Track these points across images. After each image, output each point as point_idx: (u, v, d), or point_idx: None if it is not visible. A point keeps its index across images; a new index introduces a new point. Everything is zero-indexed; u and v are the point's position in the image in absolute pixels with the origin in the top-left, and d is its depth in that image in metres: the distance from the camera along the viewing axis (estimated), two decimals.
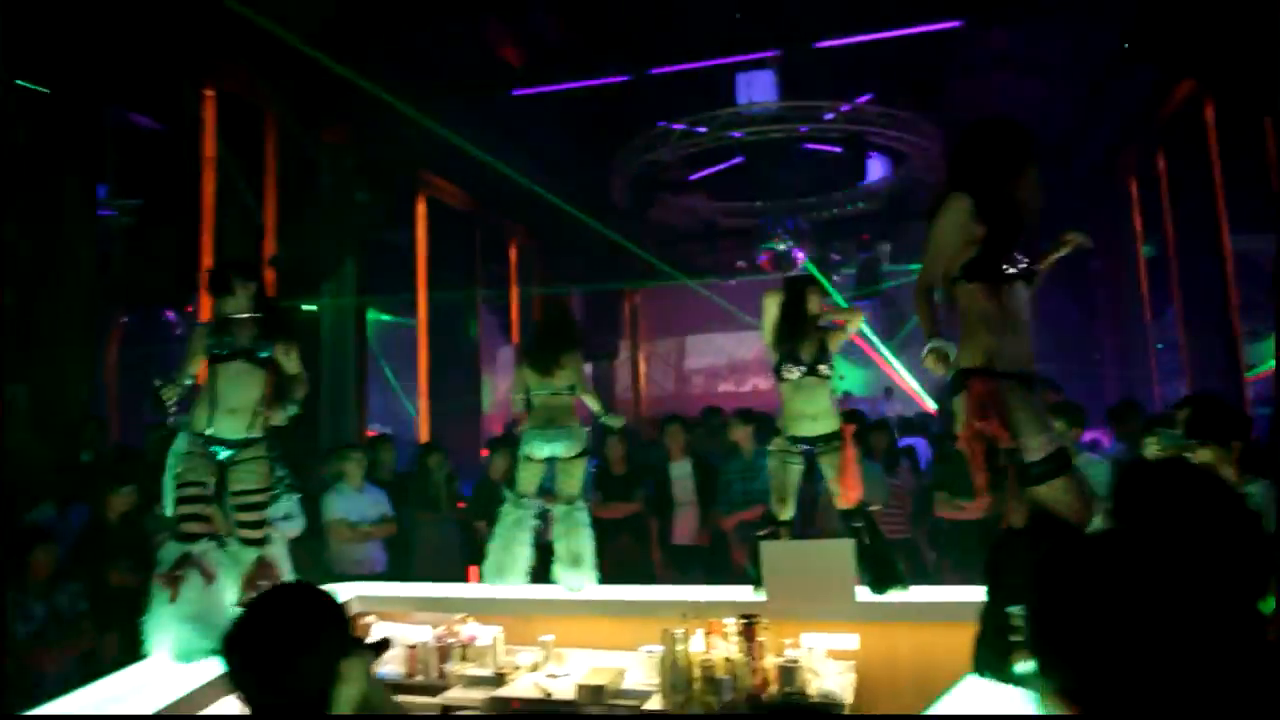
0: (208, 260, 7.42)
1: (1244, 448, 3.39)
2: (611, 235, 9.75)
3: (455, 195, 11.04)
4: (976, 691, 2.73)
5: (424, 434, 9.88)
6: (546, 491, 4.99)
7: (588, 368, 15.45)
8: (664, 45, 7.73)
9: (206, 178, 7.39)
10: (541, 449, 4.67)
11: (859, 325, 4.73)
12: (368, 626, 4.55)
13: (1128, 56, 7.36)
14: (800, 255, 10.15)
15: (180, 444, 3.63)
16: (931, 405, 11.98)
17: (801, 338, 4.36)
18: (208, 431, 3.61)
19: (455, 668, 4.35)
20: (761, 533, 4.35)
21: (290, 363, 3.83)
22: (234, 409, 3.61)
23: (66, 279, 6.12)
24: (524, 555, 4.69)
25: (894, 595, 4.22)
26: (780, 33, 7.51)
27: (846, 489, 4.41)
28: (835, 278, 11.75)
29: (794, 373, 4.34)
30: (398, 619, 4.67)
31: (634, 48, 7.45)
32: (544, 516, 4.88)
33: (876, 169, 10.66)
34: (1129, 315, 10.87)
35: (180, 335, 9.88)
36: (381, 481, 6.11)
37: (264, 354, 3.69)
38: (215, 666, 3.38)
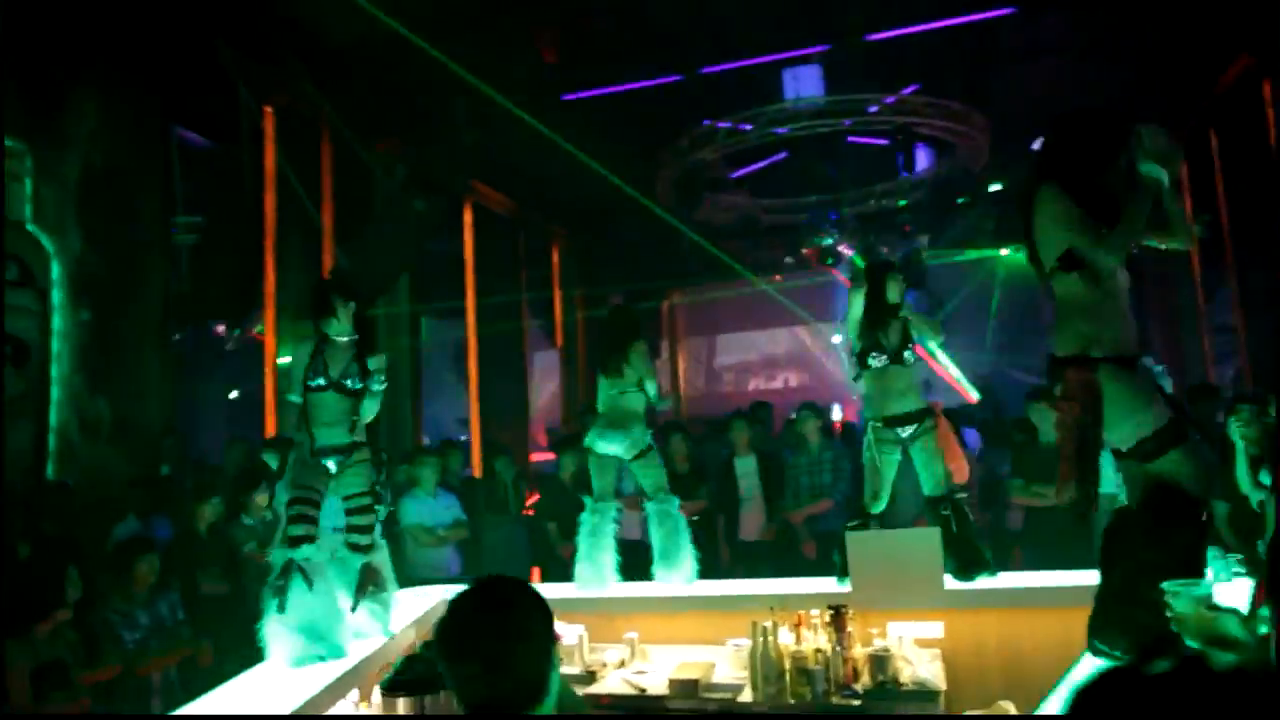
0: (271, 276, 7.59)
1: None
2: (683, 223, 9.65)
3: (499, 201, 11.16)
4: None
5: (475, 439, 10.00)
6: (618, 492, 5.08)
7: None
8: (711, 45, 7.77)
9: (268, 193, 7.54)
10: (604, 446, 4.77)
11: (936, 337, 4.80)
12: None
13: (1177, 37, 7.30)
14: (846, 249, 10.17)
15: (295, 454, 3.74)
16: (974, 395, 11.91)
17: (885, 325, 4.45)
18: (316, 445, 3.72)
19: None
20: (851, 524, 4.38)
21: (376, 386, 3.88)
22: (329, 423, 3.72)
23: (142, 296, 6.30)
24: (610, 560, 4.76)
25: (982, 581, 4.25)
26: (829, 27, 7.53)
27: (951, 463, 4.45)
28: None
29: (879, 360, 4.43)
30: None
31: (679, 48, 7.49)
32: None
33: (922, 160, 10.63)
34: (1179, 297, 10.74)
35: (231, 350, 10.06)
36: (451, 486, 6.23)
37: (354, 386, 3.76)
38: (329, 670, 3.54)
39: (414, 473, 5.92)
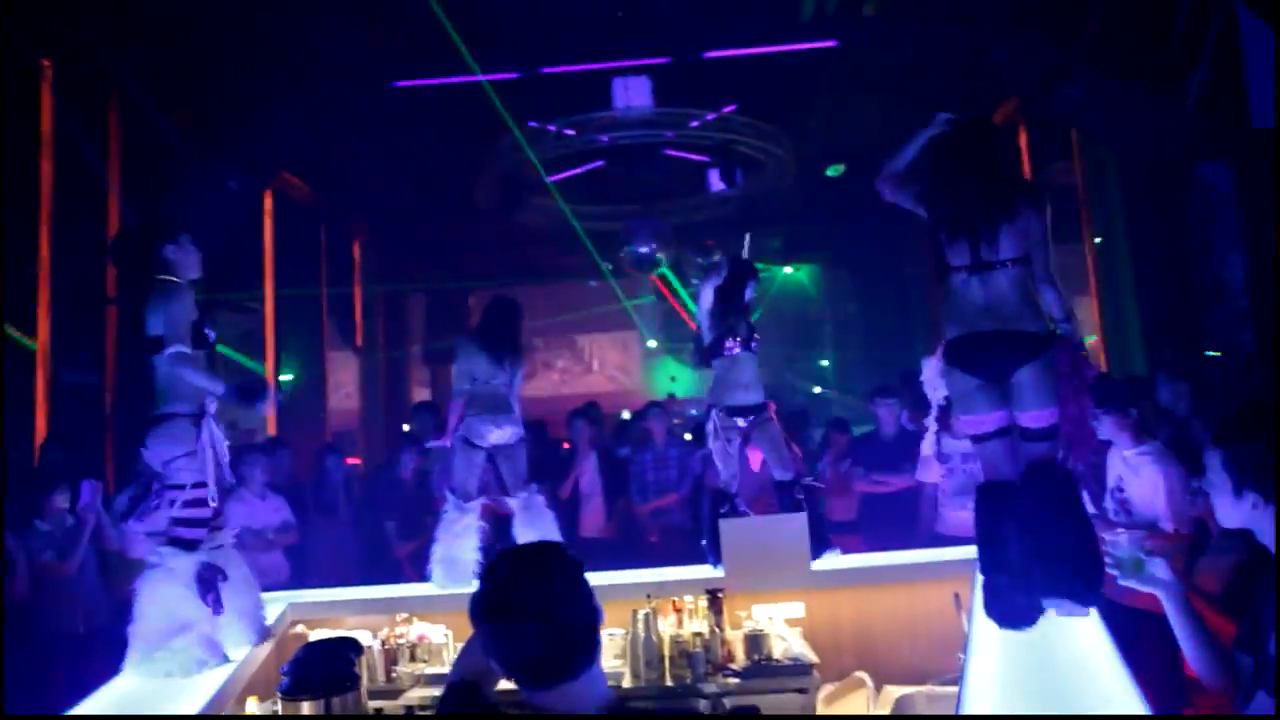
0: (46, 253, 6.70)
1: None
2: (495, 224, 9.51)
3: (301, 190, 10.48)
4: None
5: (272, 432, 9.32)
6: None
7: (426, 372, 15.18)
8: (544, 47, 7.77)
9: (44, 158, 6.64)
10: (484, 436, 4.65)
11: None
12: (303, 636, 4.33)
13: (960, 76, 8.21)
14: (660, 257, 10.51)
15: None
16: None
17: (738, 317, 4.74)
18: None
19: (407, 669, 4.23)
20: (722, 510, 4.56)
21: None
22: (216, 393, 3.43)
23: None
24: (473, 560, 4.62)
25: (840, 561, 4.59)
26: (663, 42, 7.79)
27: (789, 457, 4.76)
28: (694, 280, 12.24)
29: (735, 349, 4.70)
30: (330, 626, 4.47)
31: (519, 46, 7.44)
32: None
33: (715, 179, 11.19)
34: None
35: None
36: (278, 488, 5.79)
37: None
38: (209, 679, 3.19)
39: (239, 472, 5.43)
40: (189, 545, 3.42)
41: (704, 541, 4.62)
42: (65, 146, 6.78)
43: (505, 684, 1.67)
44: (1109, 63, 6.97)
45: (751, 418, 4.70)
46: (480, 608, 1.59)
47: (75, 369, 6.80)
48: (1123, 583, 2.16)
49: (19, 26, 6.31)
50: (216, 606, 3.41)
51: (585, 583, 1.60)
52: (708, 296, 4.82)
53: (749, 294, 4.84)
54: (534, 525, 4.68)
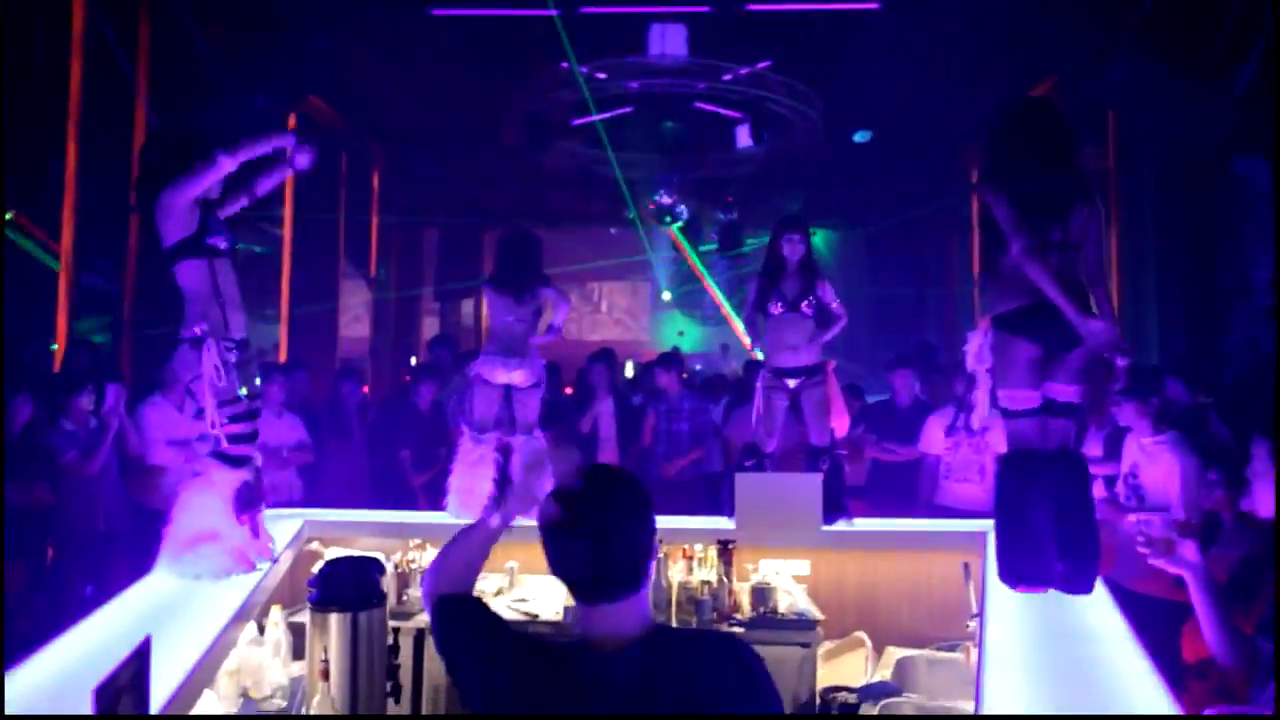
0: (73, 156, 6.67)
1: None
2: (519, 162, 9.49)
3: (325, 114, 10.38)
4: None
5: (283, 358, 9.37)
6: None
7: (437, 307, 15.19)
8: None
9: (74, 60, 6.57)
10: (500, 374, 4.67)
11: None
12: (318, 553, 4.42)
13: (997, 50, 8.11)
14: (683, 209, 10.46)
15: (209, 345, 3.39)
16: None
17: (782, 277, 4.72)
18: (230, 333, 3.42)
19: (418, 593, 4.33)
20: (746, 464, 4.61)
21: None
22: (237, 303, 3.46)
23: None
24: (487, 491, 4.68)
25: (841, 526, 4.66)
26: None
27: (835, 419, 4.78)
28: (711, 234, 12.26)
29: (777, 308, 4.68)
30: (345, 545, 4.56)
31: None
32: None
33: (744, 135, 11.09)
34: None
35: None
36: (294, 408, 5.85)
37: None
38: (238, 587, 3.27)
39: (259, 389, 5.49)
40: (235, 462, 3.48)
41: (726, 493, 4.68)
42: (95, 50, 6.71)
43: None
44: (1156, 47, 6.89)
45: (802, 379, 4.70)
46: (545, 520, 1.64)
47: (96, 274, 6.81)
48: (1153, 562, 2.21)
49: None
50: (254, 528, 3.50)
51: (647, 517, 1.65)
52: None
53: (790, 252, 4.77)
54: (530, 468, 4.73)
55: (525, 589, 4.39)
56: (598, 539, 1.59)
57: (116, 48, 6.63)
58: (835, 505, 4.62)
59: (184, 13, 7.12)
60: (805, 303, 4.67)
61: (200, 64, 7.33)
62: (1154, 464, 4.01)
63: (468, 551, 2.03)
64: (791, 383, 4.71)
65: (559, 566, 1.63)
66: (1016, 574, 3.12)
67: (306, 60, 7.59)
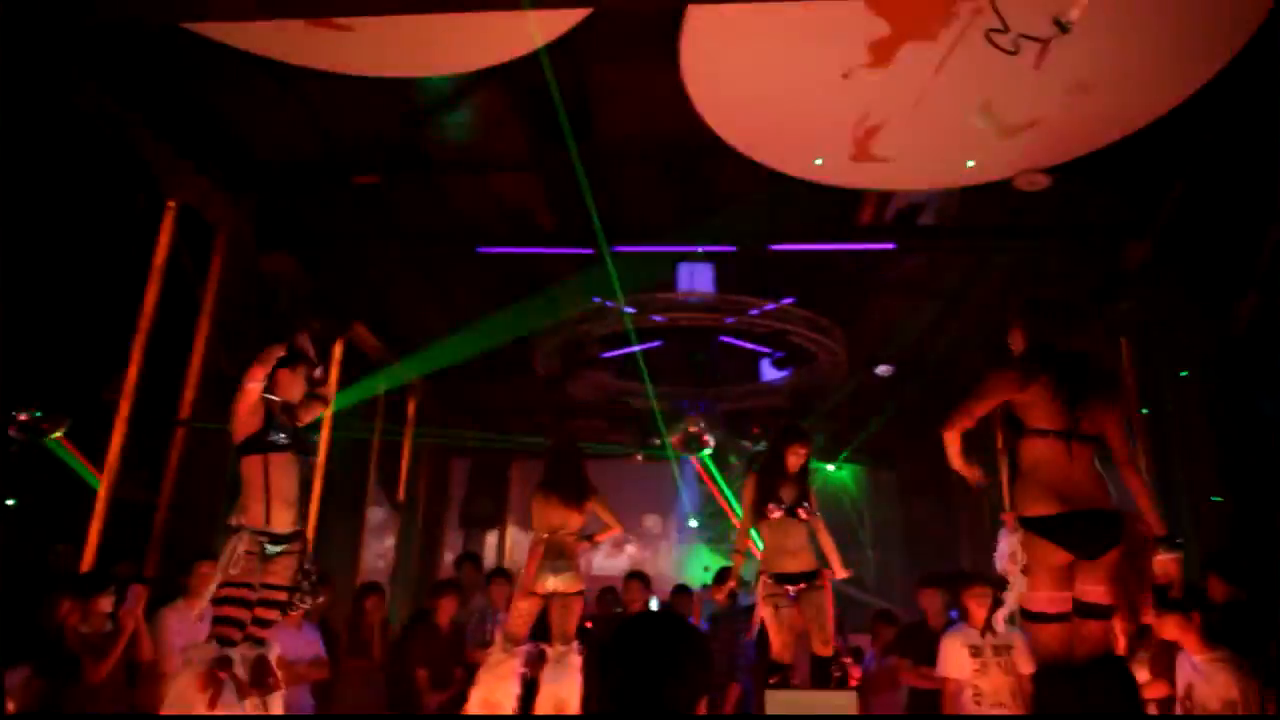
0: (134, 373, 7.05)
1: None
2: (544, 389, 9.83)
3: (369, 343, 10.94)
4: None
5: None
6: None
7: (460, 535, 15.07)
8: (619, 229, 8.26)
9: (151, 286, 7.12)
10: (550, 583, 4.63)
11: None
12: None
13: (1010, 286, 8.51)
14: (709, 439, 10.64)
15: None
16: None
17: (781, 483, 4.79)
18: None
19: None
20: (773, 680, 4.42)
21: None
22: (289, 501, 3.50)
23: None
24: (510, 707, 4.51)
25: None
26: (729, 231, 8.28)
27: (832, 632, 4.65)
28: (733, 461, 12.34)
29: (776, 512, 4.71)
30: None
31: (591, 227, 7.96)
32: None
33: (767, 368, 11.47)
34: None
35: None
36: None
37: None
38: None
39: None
40: (225, 641, 3.43)
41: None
42: (170, 276, 7.28)
43: None
44: (1160, 286, 7.23)
45: (802, 585, 4.65)
46: (601, 657, 1.66)
47: (134, 485, 6.95)
48: None
49: (154, 170, 7.00)
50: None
51: (696, 666, 1.64)
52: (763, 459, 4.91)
53: (794, 463, 4.89)
54: (558, 680, 4.57)
55: None
56: (645, 670, 1.59)
57: (190, 275, 7.20)
58: None
59: (255, 243, 7.79)
60: (802, 508, 4.75)
61: (262, 290, 7.92)
62: (1209, 684, 3.78)
63: None
64: (792, 589, 4.66)
65: (602, 689, 1.61)
66: None
67: (357, 290, 8.15)
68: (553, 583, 4.64)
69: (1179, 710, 3.93)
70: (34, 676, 4.07)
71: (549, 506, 4.74)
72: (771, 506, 4.79)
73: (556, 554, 4.65)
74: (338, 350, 10.38)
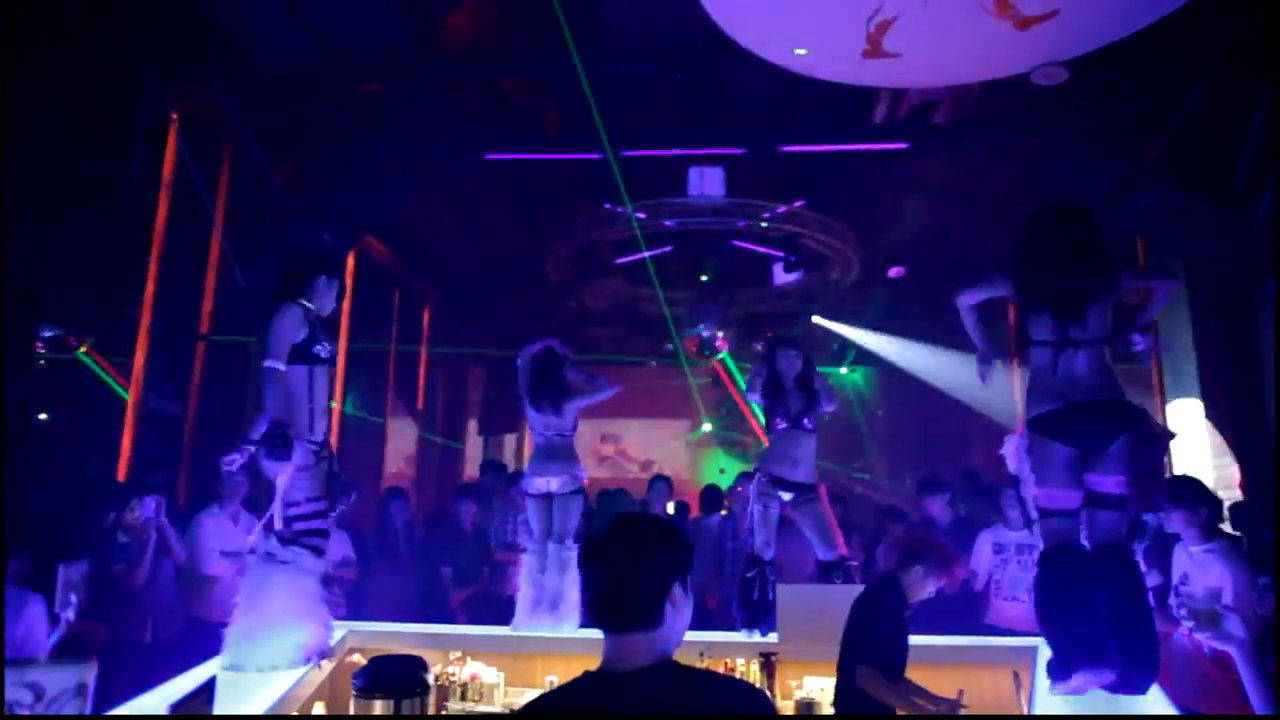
0: (151, 287, 7.14)
1: None
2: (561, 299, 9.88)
3: (382, 253, 10.99)
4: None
5: None
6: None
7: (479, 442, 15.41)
8: (627, 132, 8.16)
9: (161, 200, 7.15)
10: (538, 484, 4.83)
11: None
12: (356, 663, 4.43)
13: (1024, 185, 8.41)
14: (723, 343, 10.72)
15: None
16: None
17: (785, 393, 4.87)
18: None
19: (456, 706, 4.29)
20: (749, 573, 4.64)
21: None
22: (324, 410, 3.67)
23: None
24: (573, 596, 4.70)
25: None
26: (739, 134, 8.17)
27: (834, 540, 4.81)
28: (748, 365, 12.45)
29: (782, 424, 4.83)
30: None
31: (606, 129, 7.85)
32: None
33: (779, 272, 11.45)
34: None
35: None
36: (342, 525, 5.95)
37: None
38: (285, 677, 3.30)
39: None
40: (317, 551, 3.61)
41: (734, 607, 4.69)
42: (181, 190, 7.30)
43: None
44: (1178, 177, 7.14)
45: (795, 494, 4.78)
46: (579, 554, 1.82)
47: (161, 398, 7.14)
48: (1197, 635, 2.20)
49: (157, 82, 6.93)
50: (335, 609, 3.59)
51: (664, 560, 1.73)
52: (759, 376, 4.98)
53: (787, 368, 4.94)
54: (560, 576, 4.78)
55: None
56: (608, 571, 1.70)
57: (200, 186, 7.21)
58: None
59: (261, 155, 7.76)
60: (807, 419, 4.81)
61: (272, 202, 7.93)
62: (1204, 573, 3.92)
63: None
64: (786, 496, 4.79)
65: (583, 596, 1.75)
66: (1063, 674, 3.05)
67: (368, 203, 8.13)
68: (541, 483, 4.83)
69: (1174, 598, 4.08)
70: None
71: (535, 413, 4.91)
72: (778, 420, 4.87)
73: (547, 456, 4.83)
74: (350, 263, 10.46)
